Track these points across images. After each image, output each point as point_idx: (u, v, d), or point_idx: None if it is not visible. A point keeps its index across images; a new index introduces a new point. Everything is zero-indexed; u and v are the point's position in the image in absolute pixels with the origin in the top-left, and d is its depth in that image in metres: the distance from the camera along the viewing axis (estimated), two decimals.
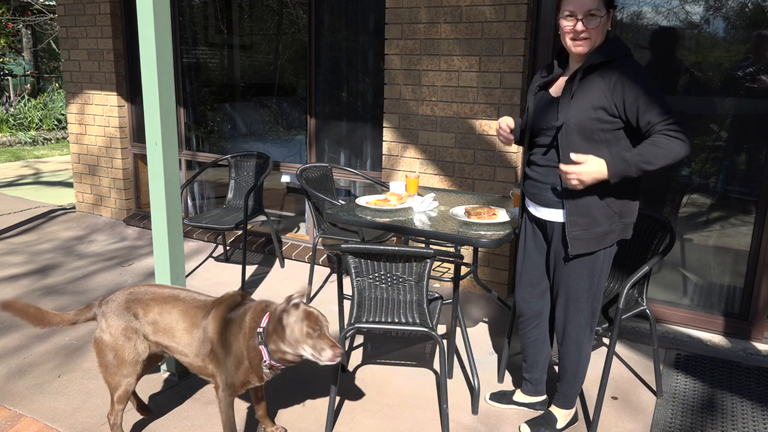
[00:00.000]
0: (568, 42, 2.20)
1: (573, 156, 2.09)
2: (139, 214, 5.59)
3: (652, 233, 2.70)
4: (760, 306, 3.26)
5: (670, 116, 2.06)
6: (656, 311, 3.48)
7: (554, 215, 2.30)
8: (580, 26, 2.13)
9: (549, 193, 2.29)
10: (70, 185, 7.43)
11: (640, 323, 3.44)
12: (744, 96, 3.25)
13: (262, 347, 2.08)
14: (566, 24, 2.17)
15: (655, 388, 2.86)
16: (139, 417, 2.59)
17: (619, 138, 2.17)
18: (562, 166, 2.09)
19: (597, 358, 3.07)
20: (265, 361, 2.10)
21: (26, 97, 12.84)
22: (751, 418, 2.64)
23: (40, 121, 12.17)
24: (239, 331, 2.13)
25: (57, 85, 14.55)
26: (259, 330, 2.09)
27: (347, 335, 2.44)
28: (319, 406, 2.70)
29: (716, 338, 3.33)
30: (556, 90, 2.31)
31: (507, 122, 2.42)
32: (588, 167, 2.06)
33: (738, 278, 3.37)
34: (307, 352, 2.03)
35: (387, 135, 4.07)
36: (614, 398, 2.81)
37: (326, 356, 2.00)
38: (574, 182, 2.09)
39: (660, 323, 3.48)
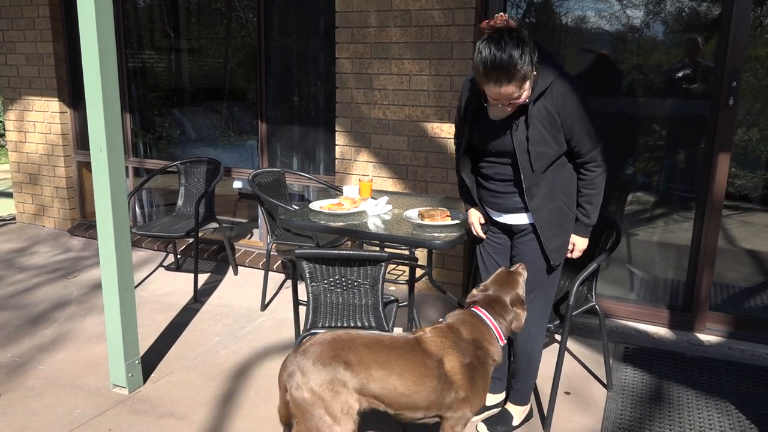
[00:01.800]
0: None
1: (570, 251, 2.41)
2: (84, 224, 5.40)
3: (600, 231, 2.78)
4: (702, 298, 3.39)
5: (593, 149, 2.19)
6: (605, 307, 3.58)
7: (518, 219, 2.36)
8: (509, 108, 2.14)
9: (510, 201, 2.33)
10: (9, 195, 7.11)
11: (590, 319, 3.54)
12: (682, 97, 3.39)
13: (497, 332, 2.13)
14: (494, 103, 2.13)
15: (605, 382, 2.94)
16: None
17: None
18: (574, 255, 2.42)
19: (549, 354, 3.14)
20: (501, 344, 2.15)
21: None
22: (695, 407, 2.74)
23: None
24: (476, 344, 2.09)
25: None
26: (491, 323, 2.13)
27: (303, 341, 2.41)
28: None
29: (662, 331, 3.45)
30: (496, 113, 2.21)
31: (479, 219, 2.50)
32: (579, 245, 2.40)
33: (681, 272, 3.50)
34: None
35: (339, 139, 4.06)
36: (567, 393, 2.88)
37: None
38: (579, 254, 2.43)
39: (609, 318, 3.58)
